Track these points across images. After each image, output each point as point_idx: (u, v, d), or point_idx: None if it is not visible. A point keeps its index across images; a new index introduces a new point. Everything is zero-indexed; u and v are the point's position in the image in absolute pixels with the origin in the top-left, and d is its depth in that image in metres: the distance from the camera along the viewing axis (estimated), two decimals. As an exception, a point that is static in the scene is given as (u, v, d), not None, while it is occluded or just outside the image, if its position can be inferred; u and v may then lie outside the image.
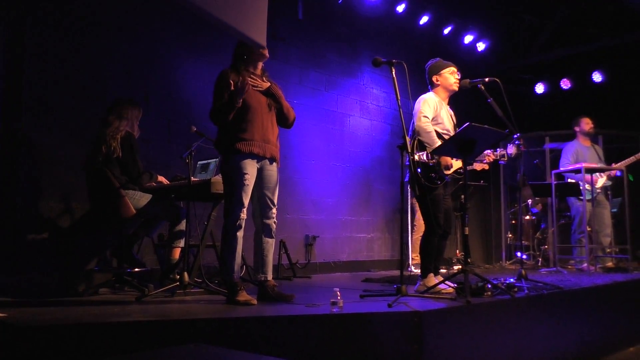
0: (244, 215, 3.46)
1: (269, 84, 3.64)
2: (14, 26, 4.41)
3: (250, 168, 3.48)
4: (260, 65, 3.68)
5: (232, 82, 3.44)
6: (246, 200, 3.47)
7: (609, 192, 6.58)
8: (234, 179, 3.45)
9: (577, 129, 6.69)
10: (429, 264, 3.96)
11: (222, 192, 3.70)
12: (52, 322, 2.64)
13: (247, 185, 3.46)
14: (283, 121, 3.71)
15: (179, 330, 2.65)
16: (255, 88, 3.56)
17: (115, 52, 4.94)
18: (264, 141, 3.53)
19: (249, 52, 3.59)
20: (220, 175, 3.69)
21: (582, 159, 6.43)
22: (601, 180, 6.42)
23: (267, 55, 3.66)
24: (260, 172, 3.57)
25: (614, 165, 6.26)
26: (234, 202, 3.43)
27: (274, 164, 3.63)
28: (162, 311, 3.06)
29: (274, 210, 3.64)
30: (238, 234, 3.45)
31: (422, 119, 3.88)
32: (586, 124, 6.63)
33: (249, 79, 3.52)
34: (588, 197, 6.31)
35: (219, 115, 3.48)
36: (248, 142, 3.47)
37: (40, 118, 4.49)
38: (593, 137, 6.80)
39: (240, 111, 3.47)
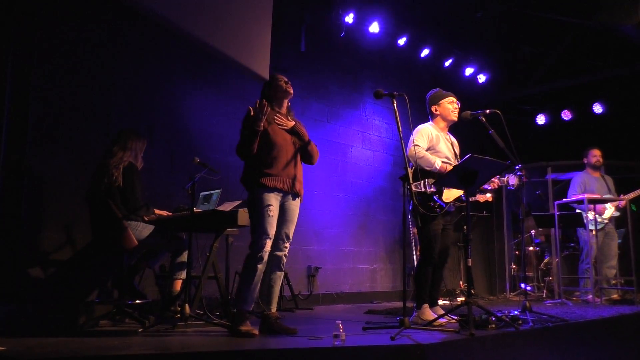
0: (268, 247, 3.51)
1: (293, 122, 3.74)
2: (21, 58, 4.47)
3: (274, 201, 3.56)
4: (285, 103, 3.79)
5: (250, 108, 3.54)
6: (271, 231, 3.53)
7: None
8: (259, 212, 3.52)
9: (585, 160, 6.74)
10: (423, 294, 4.01)
11: (247, 224, 3.80)
12: (52, 355, 2.61)
13: (272, 216, 3.53)
14: (307, 158, 3.82)
15: (179, 364, 2.62)
16: (281, 127, 3.67)
17: (120, 83, 5.00)
18: (288, 177, 3.62)
19: (274, 91, 3.73)
20: (245, 208, 3.76)
21: (590, 190, 6.43)
22: (609, 211, 6.39)
23: (292, 91, 3.77)
24: (282, 206, 3.64)
25: (621, 197, 6.24)
26: (259, 232, 3.50)
27: (297, 199, 3.73)
28: (163, 344, 3.03)
29: (287, 244, 3.69)
30: (259, 266, 3.49)
31: (413, 148, 3.97)
32: (593, 156, 6.67)
33: (277, 117, 3.65)
34: (594, 227, 6.29)
35: (244, 145, 3.57)
36: (273, 178, 3.56)
37: (44, 148, 4.52)
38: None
39: (266, 148, 3.58)
